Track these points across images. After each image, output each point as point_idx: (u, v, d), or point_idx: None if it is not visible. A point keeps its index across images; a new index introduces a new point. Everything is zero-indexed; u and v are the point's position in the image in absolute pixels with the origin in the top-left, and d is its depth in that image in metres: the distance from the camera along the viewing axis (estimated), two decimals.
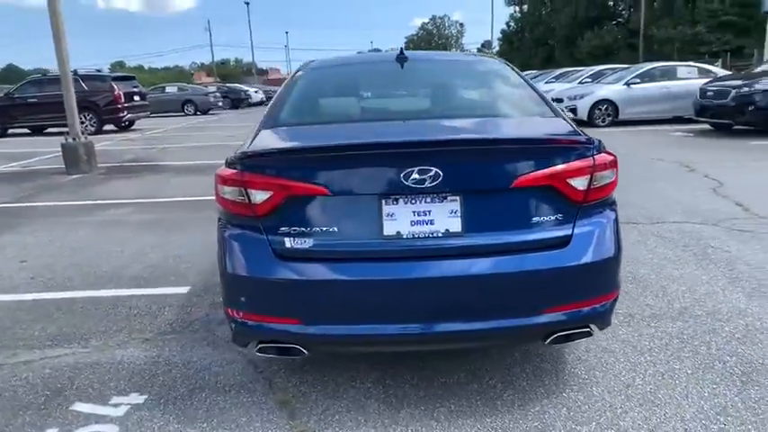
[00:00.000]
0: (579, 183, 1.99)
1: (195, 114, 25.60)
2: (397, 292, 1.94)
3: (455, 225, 1.96)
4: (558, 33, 61.34)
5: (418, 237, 1.96)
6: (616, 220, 2.11)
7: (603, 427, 2.04)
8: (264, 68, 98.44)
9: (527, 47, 68.42)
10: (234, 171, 2.02)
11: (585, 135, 2.09)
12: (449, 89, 2.84)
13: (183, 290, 3.58)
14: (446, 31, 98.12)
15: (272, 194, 1.96)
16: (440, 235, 1.96)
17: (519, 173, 1.95)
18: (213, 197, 2.18)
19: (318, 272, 1.95)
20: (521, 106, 2.53)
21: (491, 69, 3.09)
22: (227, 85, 37.15)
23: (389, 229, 1.96)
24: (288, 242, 1.98)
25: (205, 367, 2.59)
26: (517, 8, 73.52)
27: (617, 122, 12.67)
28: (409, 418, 2.14)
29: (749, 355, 2.51)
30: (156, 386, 2.44)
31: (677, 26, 37.02)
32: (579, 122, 11.56)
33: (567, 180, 1.98)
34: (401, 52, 2.93)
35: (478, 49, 71.12)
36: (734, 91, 9.80)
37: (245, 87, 36.22)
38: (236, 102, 31.82)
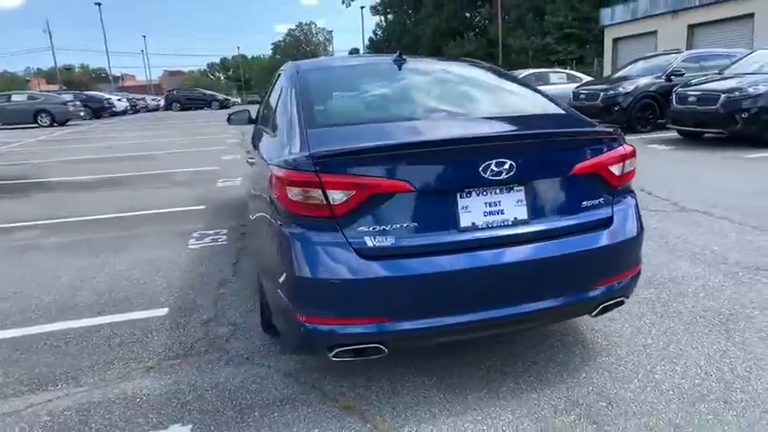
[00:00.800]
0: (616, 169, 2.24)
1: (52, 126, 22.75)
2: (476, 281, 2.02)
3: (522, 213, 2.09)
4: (424, 42, 64.62)
5: (491, 226, 2.05)
6: (637, 202, 2.40)
7: (644, 382, 2.31)
8: (119, 75, 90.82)
9: None
10: (308, 172, 1.94)
11: (612, 128, 2.35)
12: (467, 89, 2.97)
13: (161, 312, 3.25)
14: (314, 38, 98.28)
15: (354, 194, 1.92)
16: (509, 223, 2.08)
17: (573, 162, 2.14)
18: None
19: (402, 268, 1.95)
20: (537, 104, 2.73)
21: (488, 70, 3.29)
22: (86, 92, 33.56)
23: (465, 221, 2.03)
24: (369, 241, 1.95)
25: (240, 386, 2.41)
26: (382, 18, 76.30)
27: None
28: (478, 402, 2.22)
29: (716, 308, 2.98)
30: (195, 413, 2.23)
31: (530, 37, 41.23)
32: None
33: (609, 167, 2.21)
34: (399, 55, 3.02)
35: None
36: (602, 94, 11.26)
37: (106, 95, 33.03)
38: (98, 111, 28.89)
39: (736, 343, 2.60)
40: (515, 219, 2.08)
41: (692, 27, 22.42)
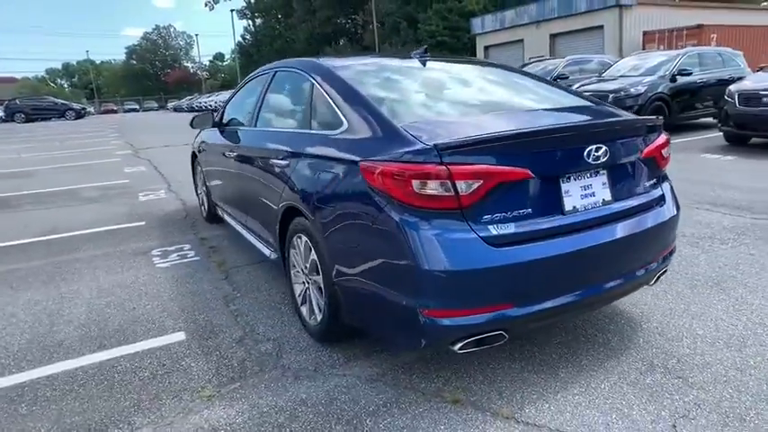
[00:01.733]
0: (664, 152, 2.50)
1: None
2: (580, 261, 2.13)
3: (607, 195, 2.25)
4: (297, 47, 64.23)
5: (586, 209, 2.18)
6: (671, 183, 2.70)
7: (692, 338, 2.60)
8: None
9: (267, 60, 69.87)
10: (436, 164, 1.90)
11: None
12: (514, 84, 3.05)
13: (178, 337, 2.91)
14: (173, 42, 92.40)
15: (482, 183, 1.92)
16: (599, 205, 2.22)
17: (641, 147, 2.36)
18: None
19: (524, 254, 1.99)
20: (582, 98, 2.90)
21: (509, 69, 3.42)
22: None
23: (568, 204, 2.13)
24: (493, 229, 1.97)
25: (329, 399, 2.27)
26: (250, 22, 74.53)
27: None
28: (571, 377, 2.34)
29: (703, 272, 3.44)
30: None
31: (405, 44, 42.97)
32: None
33: (661, 151, 2.47)
34: (425, 51, 3.06)
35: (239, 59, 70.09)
36: (612, 95, 11.89)
37: None
38: None
39: (737, 298, 3.03)
40: (603, 200, 2.23)
41: (553, 36, 25.09)
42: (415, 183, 1.92)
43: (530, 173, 2.00)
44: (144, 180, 8.22)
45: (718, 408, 2.08)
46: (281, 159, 2.87)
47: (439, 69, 3.06)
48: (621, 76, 10.43)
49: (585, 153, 2.11)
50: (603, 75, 10.87)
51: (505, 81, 3.09)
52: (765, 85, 7.72)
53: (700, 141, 9.14)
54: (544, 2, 25.53)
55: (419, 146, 1.98)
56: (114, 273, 3.99)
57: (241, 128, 3.86)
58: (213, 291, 3.54)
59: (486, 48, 29.97)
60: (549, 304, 2.08)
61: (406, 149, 2.01)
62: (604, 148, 2.15)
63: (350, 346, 2.68)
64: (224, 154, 4.02)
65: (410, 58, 3.10)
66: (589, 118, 2.51)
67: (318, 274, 2.59)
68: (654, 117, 2.53)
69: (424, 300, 1.96)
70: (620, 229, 2.24)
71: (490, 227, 1.97)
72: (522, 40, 26.83)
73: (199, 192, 5.43)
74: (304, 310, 2.85)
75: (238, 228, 4.09)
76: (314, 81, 2.83)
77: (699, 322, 2.77)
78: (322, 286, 2.53)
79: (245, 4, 73.33)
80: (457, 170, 1.91)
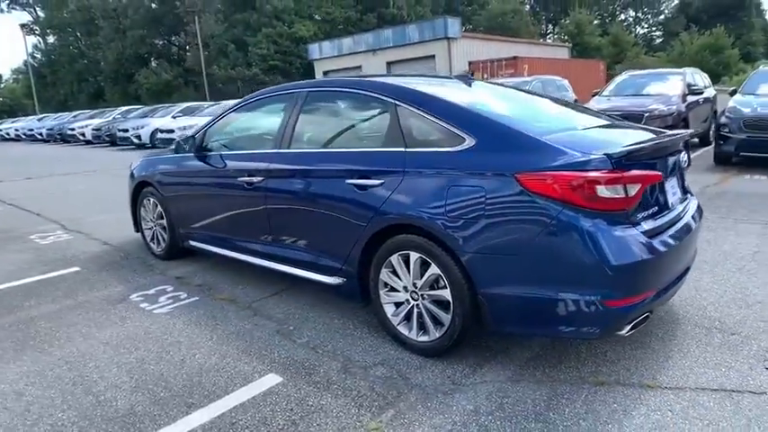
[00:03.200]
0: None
1: None
2: (681, 249, 2.58)
3: (678, 194, 2.77)
4: (106, 68, 58.37)
5: (674, 204, 2.66)
6: None
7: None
8: None
9: (66, 82, 61.91)
10: (615, 171, 2.17)
11: None
12: (561, 104, 3.41)
13: (273, 378, 2.64)
14: None
15: (641, 186, 2.24)
16: (679, 201, 2.73)
17: (686, 156, 2.94)
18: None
19: (666, 244, 2.37)
20: (600, 115, 3.39)
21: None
22: None
23: (670, 201, 2.58)
24: (645, 225, 2.31)
25: (502, 402, 2.34)
26: (40, 39, 65.62)
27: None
28: (662, 348, 2.77)
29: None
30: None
31: (234, 67, 41.93)
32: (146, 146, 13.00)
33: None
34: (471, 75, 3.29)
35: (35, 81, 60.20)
36: (646, 114, 12.55)
37: None
38: None
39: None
40: (679, 198, 2.74)
41: (390, 63, 27.00)
42: (599, 188, 2.17)
43: (661, 175, 2.40)
44: (18, 221, 6.78)
45: None
46: (369, 179, 2.83)
47: (495, 89, 3.34)
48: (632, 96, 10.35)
49: (679, 158, 2.59)
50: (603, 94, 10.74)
51: (550, 101, 3.51)
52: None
53: None
54: (380, 31, 27.43)
55: (590, 156, 2.23)
56: (108, 325, 3.36)
57: (259, 151, 3.61)
58: (258, 328, 3.24)
59: (325, 73, 30.89)
60: (669, 288, 2.49)
61: (577, 159, 2.24)
62: (684, 153, 2.67)
63: (457, 358, 2.75)
64: (219, 179, 3.71)
65: (457, 79, 3.31)
66: (652, 133, 3.02)
67: (437, 288, 2.63)
68: (690, 131, 3.15)
69: (607, 291, 2.21)
70: (691, 221, 2.76)
71: (643, 223, 2.31)
72: (360, 66, 28.31)
73: (149, 226, 4.77)
74: (404, 328, 2.83)
75: (243, 257, 3.77)
76: (398, 102, 2.87)
77: (753, 287, 3.48)
78: (450, 299, 2.58)
79: (31, 20, 64.13)
80: (626, 175, 2.21)
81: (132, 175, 4.89)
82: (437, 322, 2.69)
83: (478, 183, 2.44)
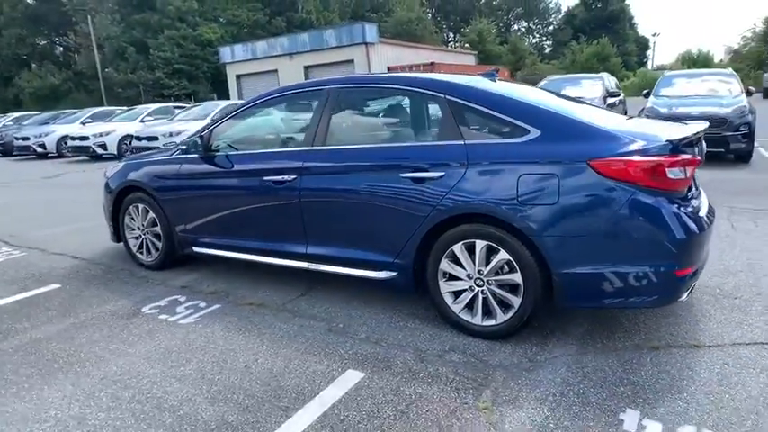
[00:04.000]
0: None
1: None
2: (711, 230, 2.92)
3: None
4: None
5: (698, 188, 3.02)
6: None
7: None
8: None
9: None
10: (673, 156, 2.45)
11: None
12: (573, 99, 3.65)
13: (355, 374, 2.62)
14: None
15: (693, 168, 2.55)
16: (698, 185, 3.09)
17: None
18: None
19: (706, 221, 2.70)
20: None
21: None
22: None
23: (696, 184, 2.92)
24: (693, 203, 2.62)
25: (585, 374, 2.53)
26: None
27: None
28: (686, 312, 3.13)
29: None
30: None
31: (135, 71, 39.21)
32: (112, 156, 12.27)
33: None
34: (496, 72, 3.48)
35: None
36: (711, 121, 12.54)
37: None
38: None
39: None
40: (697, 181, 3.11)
41: (307, 67, 26.79)
42: (668, 170, 2.43)
43: (701, 159, 2.72)
44: None
45: None
46: (427, 172, 2.89)
47: (522, 87, 3.52)
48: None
49: (696, 149, 2.93)
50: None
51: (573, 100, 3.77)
52: None
53: None
54: (296, 35, 27.12)
55: (655, 143, 2.49)
56: (137, 340, 3.10)
57: (289, 149, 3.53)
58: (306, 328, 3.17)
59: (239, 77, 29.95)
60: (702, 267, 2.82)
61: (645, 146, 2.48)
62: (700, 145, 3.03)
63: (520, 339, 2.90)
64: (237, 179, 3.65)
65: (482, 77, 3.45)
66: (677, 125, 3.31)
67: (504, 273, 2.77)
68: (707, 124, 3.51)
69: (676, 262, 2.47)
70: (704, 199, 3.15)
71: (692, 201, 2.61)
72: (276, 71, 27.81)
73: (135, 235, 4.43)
74: (466, 315, 2.93)
75: (265, 260, 3.66)
76: (450, 97, 2.96)
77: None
78: (521, 282, 2.72)
79: None
80: (684, 159, 2.50)
81: (109, 183, 4.52)
82: (504, 306, 2.82)
83: (551, 170, 2.61)
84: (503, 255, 2.75)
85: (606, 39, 40.71)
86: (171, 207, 4.08)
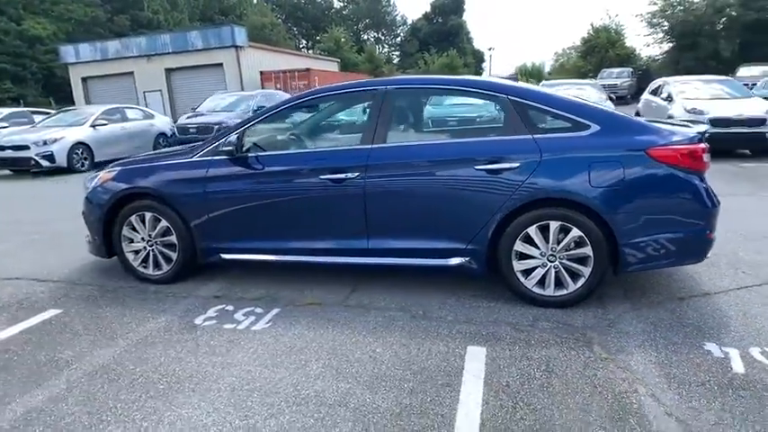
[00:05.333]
0: None
1: None
2: None
3: None
4: None
5: None
6: None
7: None
8: None
9: None
10: (704, 143, 3.13)
11: None
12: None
13: (478, 350, 2.87)
14: None
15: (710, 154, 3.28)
16: None
17: None
18: None
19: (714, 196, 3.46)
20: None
21: None
22: None
23: None
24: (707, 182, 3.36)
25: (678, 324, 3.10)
26: None
27: (96, 165, 12.01)
28: (694, 283, 3.92)
29: None
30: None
31: None
32: (60, 169, 10.22)
33: None
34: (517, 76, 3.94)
35: None
36: (216, 126, 12.09)
37: None
38: None
39: None
40: None
41: (169, 70, 24.93)
42: (704, 155, 3.11)
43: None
44: None
45: None
46: (502, 164, 3.24)
47: (553, 88, 4.01)
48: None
49: None
50: None
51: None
52: None
53: None
54: (156, 35, 25.09)
55: (690, 134, 3.16)
56: (231, 351, 2.94)
57: (348, 147, 3.58)
58: (390, 320, 3.29)
59: (85, 79, 26.68)
60: None
61: (683, 137, 3.14)
62: None
63: (584, 305, 3.37)
64: (281, 180, 3.64)
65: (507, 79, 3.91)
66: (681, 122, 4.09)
67: (574, 249, 3.24)
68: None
69: (709, 227, 3.17)
70: None
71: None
72: (132, 73, 25.43)
73: (136, 248, 4.01)
74: (538, 288, 3.33)
75: (312, 259, 3.68)
76: (513, 97, 3.35)
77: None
78: (591, 255, 3.21)
79: None
80: (707, 146, 3.20)
81: (97, 193, 4.04)
82: (574, 277, 3.29)
83: (616, 158, 3.14)
84: (575, 232, 3.22)
85: (455, 51, 44.62)
86: (195, 214, 3.82)
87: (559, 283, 3.33)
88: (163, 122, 14.19)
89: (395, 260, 3.56)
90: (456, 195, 3.35)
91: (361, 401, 2.43)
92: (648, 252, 3.23)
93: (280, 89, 21.54)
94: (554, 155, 3.22)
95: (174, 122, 12.53)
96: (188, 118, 12.47)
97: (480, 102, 3.62)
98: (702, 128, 3.63)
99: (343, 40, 47.63)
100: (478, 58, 65.77)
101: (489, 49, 58.91)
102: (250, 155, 3.72)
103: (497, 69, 64.03)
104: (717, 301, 3.39)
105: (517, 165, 3.24)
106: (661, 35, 29.42)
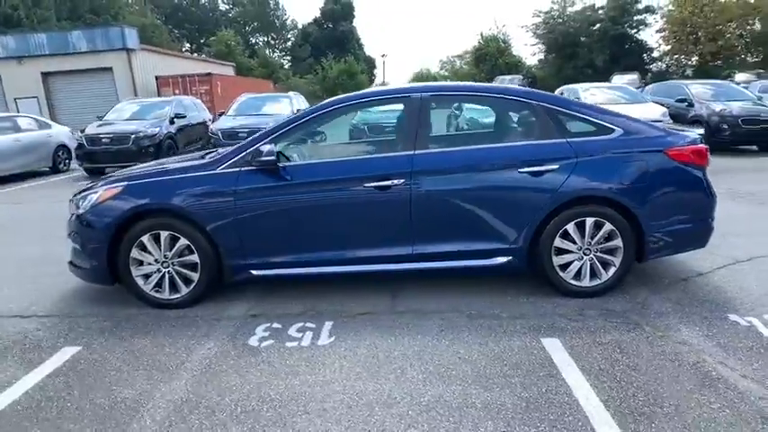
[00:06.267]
0: None
1: None
2: None
3: None
4: None
5: None
6: None
7: None
8: None
9: None
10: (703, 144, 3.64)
11: None
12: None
13: (572, 344, 3.06)
14: None
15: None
16: None
17: None
18: None
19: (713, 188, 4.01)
20: None
21: None
22: None
23: None
24: None
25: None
26: None
27: None
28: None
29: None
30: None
31: None
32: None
33: None
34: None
35: None
36: (133, 136, 11.12)
37: None
38: None
39: None
40: None
41: (46, 74, 22.29)
42: (707, 153, 3.60)
43: None
44: None
45: None
46: (543, 166, 3.48)
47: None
48: None
49: None
50: None
51: None
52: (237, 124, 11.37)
53: None
54: (28, 36, 22.30)
55: (694, 136, 3.63)
56: (314, 370, 2.83)
57: (391, 154, 3.62)
58: (453, 322, 3.37)
59: None
60: None
61: (689, 138, 3.60)
62: None
63: (611, 293, 3.72)
64: (320, 190, 3.55)
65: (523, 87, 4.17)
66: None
67: (605, 242, 3.57)
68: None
69: (712, 216, 3.67)
70: None
71: None
72: None
73: (148, 271, 3.64)
74: (575, 280, 3.62)
75: (351, 269, 3.64)
76: (544, 104, 3.61)
77: None
78: (621, 246, 3.56)
79: None
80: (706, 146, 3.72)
81: (98, 211, 3.62)
82: (606, 267, 3.62)
83: (641, 158, 3.52)
84: (607, 226, 3.54)
85: (352, 58, 45.05)
86: (222, 230, 3.57)
87: (593, 275, 3.64)
88: (61, 132, 12.76)
89: (440, 264, 3.64)
90: (501, 197, 3.53)
91: (485, 401, 2.50)
92: (667, 240, 3.65)
93: (178, 94, 20.29)
94: (588, 156, 3.53)
95: (82, 132, 11.23)
96: (98, 127, 11.28)
97: (513, 108, 3.84)
98: (700, 130, 4.18)
99: (233, 43, 45.85)
100: (370, 64, 67.10)
101: (382, 56, 60.33)
102: (287, 164, 3.58)
103: (391, 76, 65.77)
104: (711, 278, 3.93)
105: (557, 167, 3.49)
106: (544, 46, 32.36)
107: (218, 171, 3.61)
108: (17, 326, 3.54)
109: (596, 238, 3.57)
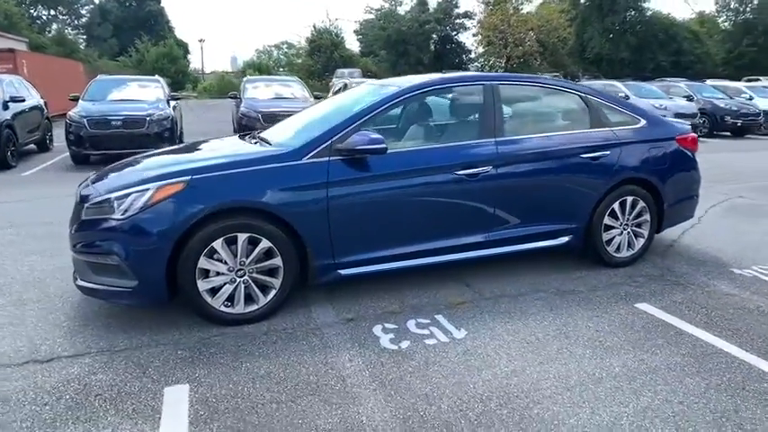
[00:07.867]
0: None
1: None
2: None
3: None
4: None
5: None
6: None
7: None
8: None
9: None
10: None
11: None
12: None
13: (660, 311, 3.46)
14: None
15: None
16: None
17: None
18: None
19: None
20: None
21: None
22: None
23: None
24: None
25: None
26: None
27: None
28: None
29: None
30: None
31: None
32: None
33: None
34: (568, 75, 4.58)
35: None
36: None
37: None
38: None
39: None
40: None
41: None
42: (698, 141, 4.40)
43: None
44: None
45: None
46: (599, 152, 3.87)
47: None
48: None
49: None
50: None
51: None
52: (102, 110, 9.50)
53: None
54: None
55: (688, 125, 4.39)
56: (486, 366, 2.76)
57: (477, 141, 3.63)
58: (566, 302, 3.55)
59: None
60: None
61: (686, 127, 4.34)
62: None
63: (633, 266, 4.30)
64: (412, 179, 3.42)
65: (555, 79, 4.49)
66: None
67: (639, 217, 4.13)
68: None
69: (698, 191, 4.50)
70: None
71: None
72: None
73: (219, 283, 3.05)
74: (616, 253, 4.13)
75: (428, 261, 3.56)
76: (587, 95, 4.00)
77: None
78: (649, 220, 4.15)
79: None
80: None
81: (154, 211, 2.91)
82: (638, 238, 4.18)
83: (660, 144, 4.16)
84: (641, 204, 4.11)
85: (172, 41, 40.85)
86: (312, 228, 3.18)
87: (629, 246, 4.17)
88: None
89: (511, 248, 3.79)
90: (567, 180, 3.84)
91: (664, 364, 2.76)
92: (678, 212, 4.39)
93: None
94: (629, 143, 4.03)
95: None
96: None
97: (568, 98, 4.12)
98: (689, 121, 5.01)
99: (16, 15, 38.02)
100: (184, 48, 61.95)
101: (200, 41, 56.16)
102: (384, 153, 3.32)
103: (210, 62, 61.44)
104: (689, 243, 4.80)
105: (608, 152, 3.93)
106: (380, 42, 33.80)
107: (304, 161, 3.19)
108: (63, 371, 2.66)
109: (633, 214, 4.10)
